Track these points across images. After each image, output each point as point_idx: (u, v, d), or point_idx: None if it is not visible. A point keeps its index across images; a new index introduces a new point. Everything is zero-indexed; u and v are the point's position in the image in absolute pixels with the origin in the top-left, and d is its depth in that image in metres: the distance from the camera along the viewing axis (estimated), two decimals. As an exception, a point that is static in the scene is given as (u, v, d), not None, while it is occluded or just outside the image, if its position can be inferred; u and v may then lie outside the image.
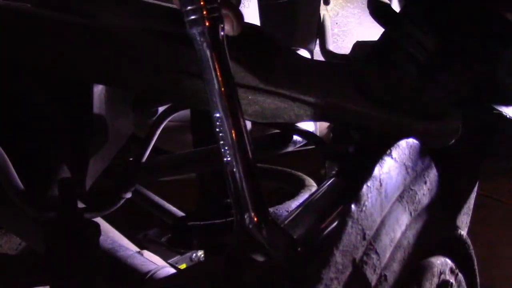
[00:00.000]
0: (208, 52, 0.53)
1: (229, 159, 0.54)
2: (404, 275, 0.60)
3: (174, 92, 0.82)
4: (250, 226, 0.53)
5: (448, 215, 0.72)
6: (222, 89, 0.53)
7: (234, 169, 0.53)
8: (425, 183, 0.64)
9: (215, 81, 0.53)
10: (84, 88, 0.95)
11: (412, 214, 0.63)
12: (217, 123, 0.54)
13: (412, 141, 0.67)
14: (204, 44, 0.53)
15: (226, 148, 0.54)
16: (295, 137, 1.03)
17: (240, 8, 1.05)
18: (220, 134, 0.53)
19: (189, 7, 0.53)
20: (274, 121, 0.76)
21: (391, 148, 0.64)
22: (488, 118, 0.80)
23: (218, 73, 0.53)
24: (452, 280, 0.66)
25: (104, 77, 0.84)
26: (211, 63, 0.53)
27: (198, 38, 0.53)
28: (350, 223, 0.55)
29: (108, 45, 0.75)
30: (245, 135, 0.54)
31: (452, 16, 0.69)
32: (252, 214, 0.53)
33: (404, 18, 0.73)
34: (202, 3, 0.52)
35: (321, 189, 0.73)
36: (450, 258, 0.67)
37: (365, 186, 0.58)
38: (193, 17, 0.53)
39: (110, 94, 0.98)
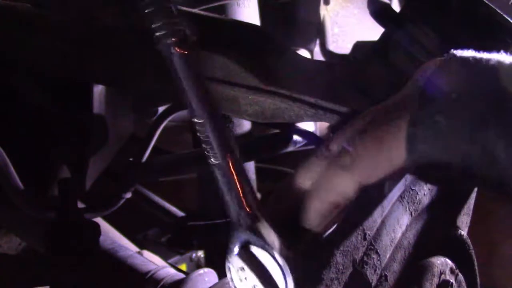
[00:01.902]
0: (178, 63, 0.54)
1: (216, 161, 0.54)
2: (405, 275, 0.61)
3: (176, 93, 0.82)
4: (246, 224, 0.54)
5: (448, 215, 0.72)
6: (197, 94, 0.54)
7: (223, 171, 0.54)
8: (426, 183, 0.64)
9: (189, 88, 0.54)
10: (84, 88, 0.95)
11: (413, 214, 0.63)
12: (199, 128, 0.54)
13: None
14: (174, 57, 0.54)
15: (211, 151, 0.54)
16: (295, 137, 1.03)
17: (240, 7, 1.05)
18: (203, 139, 0.54)
19: (155, 25, 0.54)
20: (274, 121, 0.76)
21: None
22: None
23: (191, 81, 0.54)
24: (452, 280, 0.66)
25: (106, 78, 0.84)
26: (183, 74, 0.54)
27: (167, 52, 0.54)
28: (351, 223, 0.55)
29: (108, 45, 0.75)
30: (227, 135, 0.55)
31: (452, 16, 0.69)
32: (247, 213, 0.54)
33: (404, 18, 0.73)
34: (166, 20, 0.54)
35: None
36: (450, 258, 0.67)
37: (365, 186, 0.58)
38: (159, 33, 0.54)
39: (110, 94, 0.98)
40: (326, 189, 0.53)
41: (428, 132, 0.48)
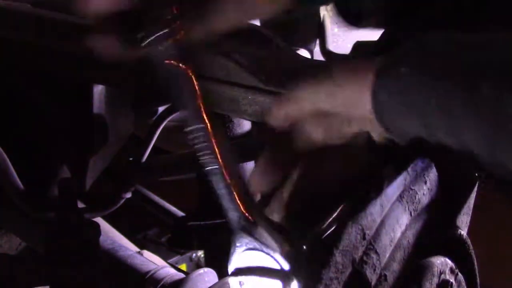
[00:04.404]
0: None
1: (213, 167, 0.54)
2: (404, 275, 0.61)
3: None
4: (245, 225, 0.54)
5: (448, 215, 0.72)
6: (192, 101, 0.54)
7: (219, 176, 0.54)
8: (425, 182, 0.64)
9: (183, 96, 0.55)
10: (84, 88, 0.95)
11: (412, 214, 0.63)
12: (193, 135, 0.54)
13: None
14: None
15: (207, 157, 0.54)
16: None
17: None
18: (198, 146, 0.54)
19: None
20: (274, 121, 0.76)
21: (391, 148, 0.64)
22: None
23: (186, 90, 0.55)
24: (452, 280, 0.66)
25: (106, 79, 0.84)
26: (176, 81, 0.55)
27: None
28: (350, 222, 0.55)
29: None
30: (225, 140, 0.55)
31: (452, 16, 0.69)
32: (246, 214, 0.54)
33: (405, 18, 0.73)
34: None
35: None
36: (450, 258, 0.67)
37: (365, 186, 0.58)
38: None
39: (110, 94, 0.98)
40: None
41: (391, 83, 0.47)
